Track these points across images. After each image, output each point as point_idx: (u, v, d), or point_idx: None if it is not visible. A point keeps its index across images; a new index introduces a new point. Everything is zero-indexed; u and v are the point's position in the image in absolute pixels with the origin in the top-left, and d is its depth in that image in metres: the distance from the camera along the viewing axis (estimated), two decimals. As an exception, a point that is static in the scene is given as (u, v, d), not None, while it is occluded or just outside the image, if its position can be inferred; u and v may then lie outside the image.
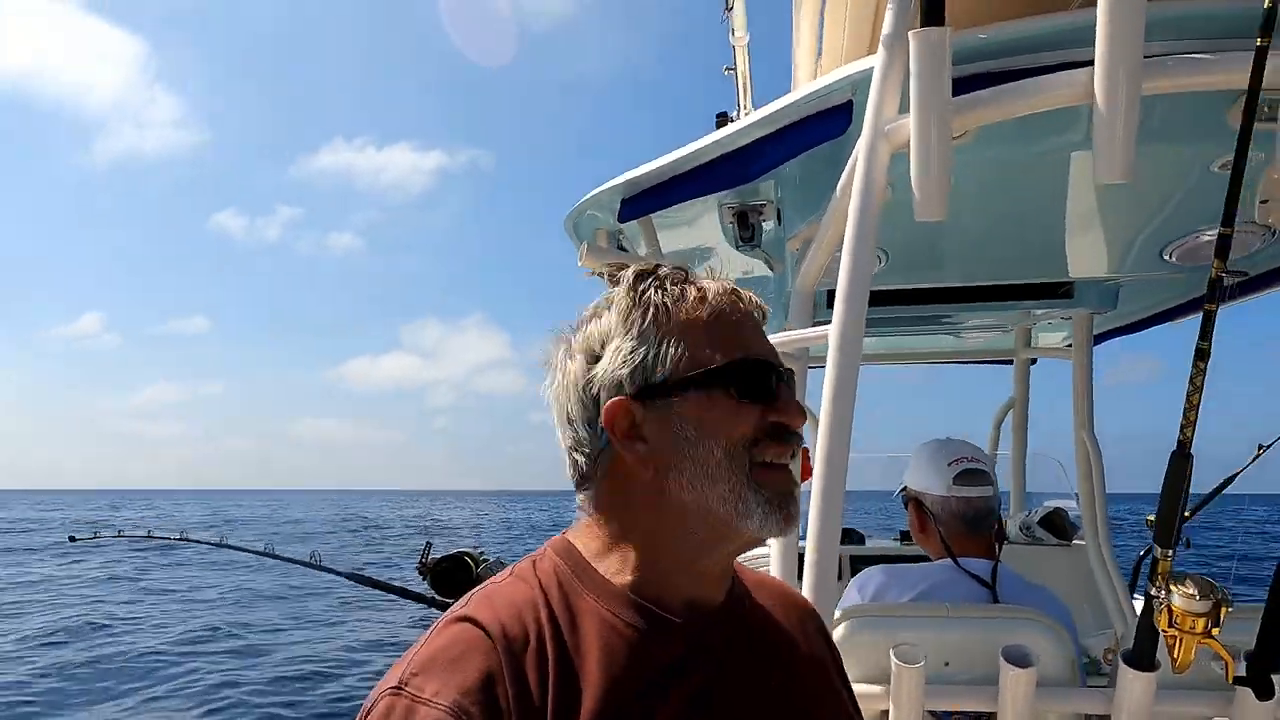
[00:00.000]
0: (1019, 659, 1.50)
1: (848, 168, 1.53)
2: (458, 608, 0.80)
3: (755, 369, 0.81)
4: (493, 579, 0.84)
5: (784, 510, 0.80)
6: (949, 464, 1.91)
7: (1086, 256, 2.47)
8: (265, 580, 17.11)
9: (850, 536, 4.13)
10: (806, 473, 1.63)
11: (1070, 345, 3.40)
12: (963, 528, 1.87)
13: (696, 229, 2.46)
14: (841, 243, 1.46)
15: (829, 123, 1.65)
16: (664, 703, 0.76)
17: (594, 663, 0.76)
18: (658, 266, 0.85)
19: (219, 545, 4.71)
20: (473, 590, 0.83)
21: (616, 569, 0.82)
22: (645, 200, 2.16)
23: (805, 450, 1.72)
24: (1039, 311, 3.18)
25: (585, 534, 0.86)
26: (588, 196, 2.32)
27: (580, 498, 0.87)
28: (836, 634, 1.60)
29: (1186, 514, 1.25)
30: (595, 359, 0.82)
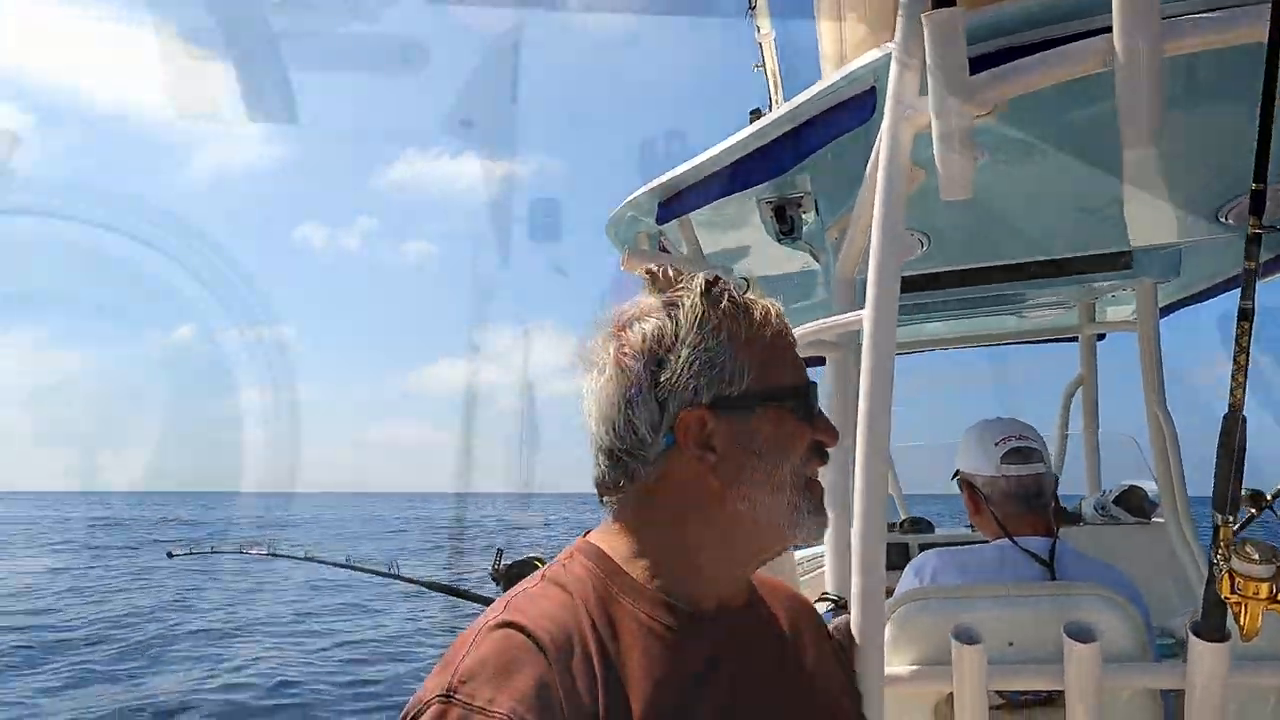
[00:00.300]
0: (1082, 634, 1.48)
1: (873, 153, 1.54)
2: (496, 613, 0.79)
3: (811, 392, 0.86)
4: (524, 584, 0.84)
5: (824, 518, 0.85)
6: (996, 443, 1.89)
7: (1142, 223, 2.40)
8: (334, 572, 18.15)
9: (919, 524, 4.09)
10: None
11: (1136, 318, 3.28)
12: (1015, 506, 1.84)
13: (736, 226, 2.47)
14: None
15: (854, 110, 1.66)
16: (701, 701, 0.78)
17: (636, 666, 0.77)
18: (718, 278, 0.87)
19: (305, 560, 4.96)
20: (506, 595, 0.83)
21: (651, 572, 0.83)
22: (682, 200, 2.18)
23: None
24: (1101, 284, 3.08)
25: (615, 537, 0.86)
26: (626, 200, 2.36)
27: (610, 500, 0.87)
28: (895, 618, 1.59)
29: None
30: (659, 363, 0.82)
